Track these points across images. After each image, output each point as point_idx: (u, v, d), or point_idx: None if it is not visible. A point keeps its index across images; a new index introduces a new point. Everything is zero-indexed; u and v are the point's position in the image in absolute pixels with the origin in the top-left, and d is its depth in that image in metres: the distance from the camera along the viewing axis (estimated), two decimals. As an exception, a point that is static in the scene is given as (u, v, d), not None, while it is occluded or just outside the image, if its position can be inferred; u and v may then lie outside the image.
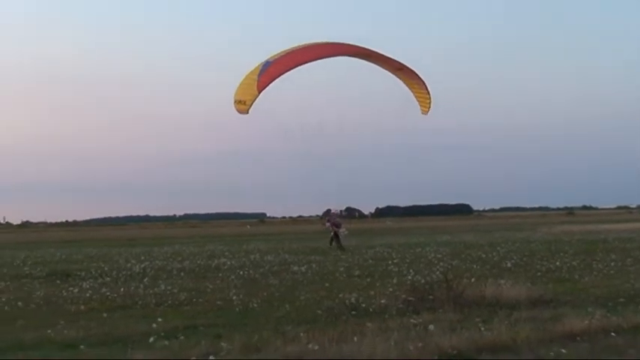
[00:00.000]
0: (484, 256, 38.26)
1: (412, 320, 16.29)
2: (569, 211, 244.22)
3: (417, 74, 28.25)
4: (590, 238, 59.40)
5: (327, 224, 52.22)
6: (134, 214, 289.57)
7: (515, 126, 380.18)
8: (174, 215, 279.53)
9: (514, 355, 13.38)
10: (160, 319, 17.27)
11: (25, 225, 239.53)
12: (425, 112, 28.89)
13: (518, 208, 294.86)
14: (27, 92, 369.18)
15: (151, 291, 25.09)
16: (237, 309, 20.12)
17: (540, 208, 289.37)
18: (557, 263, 32.10)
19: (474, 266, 31.64)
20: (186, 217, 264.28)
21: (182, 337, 15.23)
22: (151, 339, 14.84)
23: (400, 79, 28.51)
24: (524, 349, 13.63)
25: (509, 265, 32.06)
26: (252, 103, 25.65)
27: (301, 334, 14.63)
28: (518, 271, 29.24)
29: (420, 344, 13.47)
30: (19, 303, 22.55)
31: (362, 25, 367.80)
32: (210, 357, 12.97)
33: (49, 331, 16.75)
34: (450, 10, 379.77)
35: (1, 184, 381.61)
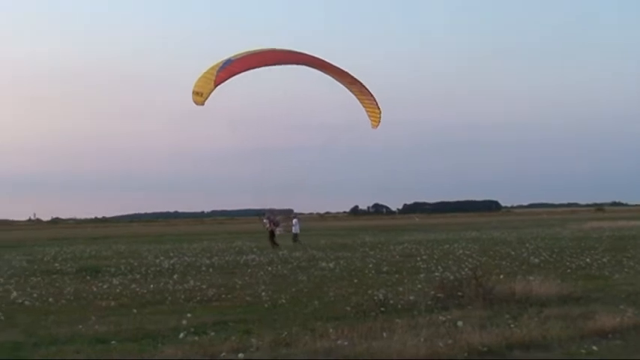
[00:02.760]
0: (513, 252, 38.11)
1: (441, 317, 16.24)
2: (599, 207, 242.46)
3: (367, 89, 28.98)
4: (620, 234, 59.03)
5: (265, 221, 52.56)
6: (163, 210, 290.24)
7: (544, 122, 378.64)
8: (203, 212, 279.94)
9: (545, 352, 13.31)
10: (189, 315, 17.31)
11: (55, 221, 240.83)
12: (374, 127, 29.52)
13: (546, 205, 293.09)
14: (58, 89, 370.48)
15: (180, 287, 25.19)
16: (266, 305, 20.13)
17: (569, 205, 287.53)
18: (587, 260, 31.89)
19: (503, 263, 31.50)
20: (215, 214, 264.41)
21: (212, 333, 15.26)
22: (181, 335, 14.88)
23: (353, 92, 29.19)
24: (555, 346, 13.56)
25: (538, 261, 31.91)
26: (208, 96, 26.44)
27: (330, 330, 14.63)
28: (548, 267, 29.10)
29: (449, 341, 13.43)
30: (50, 299, 22.72)
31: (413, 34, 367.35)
32: (240, 354, 12.97)
33: (80, 326, 16.86)
34: (491, 12, 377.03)
35: (32, 181, 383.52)
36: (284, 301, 20.71)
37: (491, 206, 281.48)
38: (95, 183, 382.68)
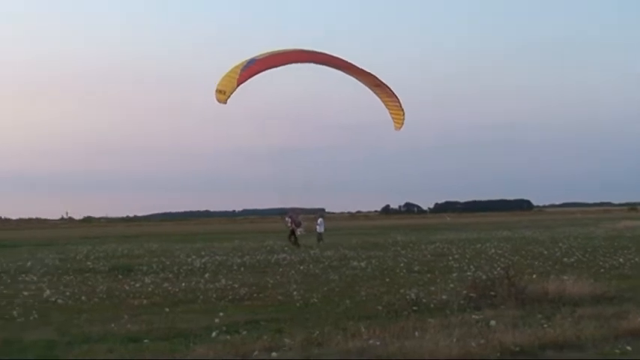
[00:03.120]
0: (545, 252, 37.96)
1: (474, 316, 16.18)
2: (633, 206, 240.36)
3: (392, 92, 29.04)
4: (654, 234, 58.62)
5: (287, 219, 52.83)
6: (194, 209, 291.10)
7: (576, 121, 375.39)
8: (234, 211, 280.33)
9: (578, 352, 13.23)
10: (221, 314, 17.35)
11: (88, 220, 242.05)
12: (397, 128, 29.66)
13: (579, 204, 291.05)
14: (92, 89, 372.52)
15: (212, 286, 25.27)
16: (297, 304, 20.16)
17: (602, 204, 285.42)
18: (621, 259, 31.71)
19: (536, 262, 31.37)
20: (246, 213, 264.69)
21: (244, 332, 15.28)
22: (213, 334, 14.93)
23: (377, 94, 29.28)
24: (589, 346, 13.48)
25: (571, 261, 31.76)
26: (230, 94, 26.92)
27: (362, 330, 14.62)
28: (581, 267, 28.94)
29: (482, 341, 13.38)
30: (83, 297, 22.87)
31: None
32: (272, 353, 12.99)
33: (112, 324, 16.95)
34: (537, 8, 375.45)
35: (65, 179, 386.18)
36: (316, 300, 20.73)
37: (523, 205, 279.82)
38: (127, 182, 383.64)
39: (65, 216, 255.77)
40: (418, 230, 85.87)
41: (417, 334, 14.08)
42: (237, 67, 27.10)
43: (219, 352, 13.38)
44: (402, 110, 29.42)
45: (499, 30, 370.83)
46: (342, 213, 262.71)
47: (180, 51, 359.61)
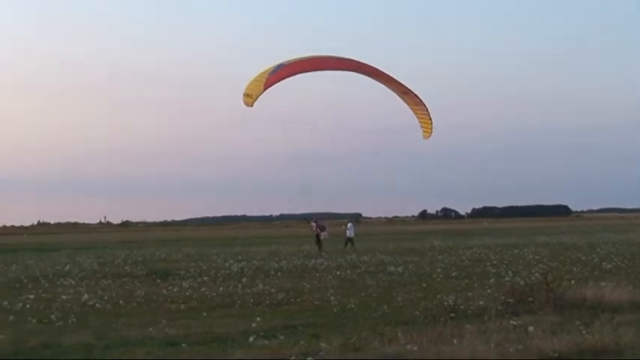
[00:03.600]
0: (583, 257, 37.68)
1: (512, 322, 16.10)
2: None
3: (421, 100, 29.12)
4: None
5: (313, 224, 53.31)
6: (231, 214, 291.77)
7: (615, 125, 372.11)
8: (271, 215, 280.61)
9: (617, 358, 13.13)
10: (258, 319, 17.41)
11: (125, 224, 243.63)
12: (426, 137, 29.82)
13: (618, 209, 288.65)
14: (130, 93, 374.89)
15: (249, 290, 25.34)
16: (334, 309, 20.16)
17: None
18: (661, 265, 31.44)
19: (574, 268, 31.14)
20: (283, 217, 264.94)
21: (281, 337, 15.33)
22: (250, 338, 14.97)
23: (406, 102, 29.37)
24: (628, 353, 13.37)
25: (609, 267, 31.50)
26: (257, 98, 27.77)
27: (399, 335, 14.62)
28: (620, 273, 28.69)
29: (520, 346, 13.34)
30: (121, 301, 23.02)
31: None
32: (309, 358, 13.01)
33: (150, 329, 17.04)
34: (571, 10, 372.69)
35: (103, 184, 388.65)
36: (353, 305, 20.71)
37: (560, 211, 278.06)
38: (165, 186, 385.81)
39: (103, 220, 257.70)
40: (455, 235, 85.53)
41: (454, 339, 14.05)
42: (265, 71, 27.77)
43: (256, 357, 13.43)
44: (430, 119, 29.64)
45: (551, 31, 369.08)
46: (379, 218, 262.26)
47: (217, 54, 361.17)
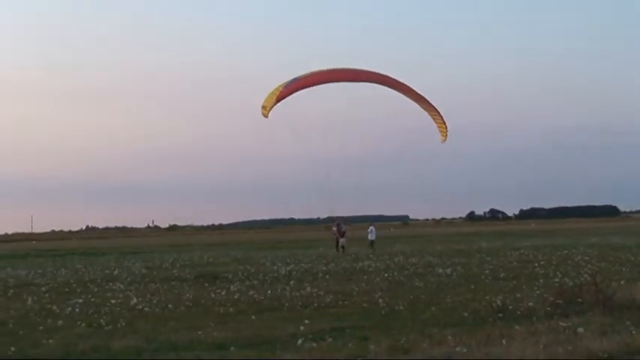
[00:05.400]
0: (632, 258, 37.38)
1: (561, 323, 16.06)
2: None
3: (434, 106, 30.22)
4: None
5: (334, 229, 54.90)
6: (279, 217, 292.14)
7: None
8: (318, 218, 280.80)
9: (669, 359, 13.07)
10: (306, 321, 17.50)
11: (173, 228, 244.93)
12: (444, 140, 31.00)
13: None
14: (178, 94, 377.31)
15: (297, 293, 25.41)
16: (383, 311, 20.19)
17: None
18: None
19: (623, 269, 30.95)
20: (330, 220, 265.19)
21: (329, 339, 15.39)
22: (299, 341, 15.06)
23: (422, 108, 30.39)
24: (679, 353, 13.29)
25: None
26: (271, 109, 30.06)
27: (448, 337, 14.64)
28: (671, 274, 28.46)
29: (569, 347, 13.30)
30: (170, 305, 23.13)
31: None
32: (358, 358, 13.08)
33: (199, 332, 17.17)
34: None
35: (151, 188, 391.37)
36: (401, 307, 20.73)
37: (609, 211, 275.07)
38: (212, 190, 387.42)
39: (151, 224, 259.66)
40: (503, 237, 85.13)
41: (503, 341, 14.05)
42: (280, 85, 29.94)
43: (305, 359, 13.51)
44: (445, 124, 30.39)
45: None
46: (426, 220, 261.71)
47: (264, 55, 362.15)
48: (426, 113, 31.14)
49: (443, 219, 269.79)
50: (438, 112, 30.78)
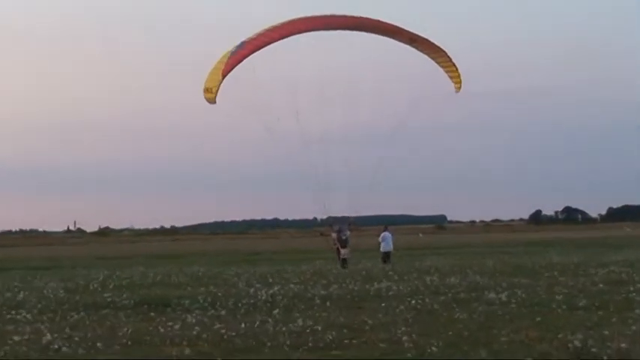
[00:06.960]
0: None
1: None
2: None
3: (438, 46, 29.93)
4: None
5: (334, 235, 56.02)
6: (257, 217, 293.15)
7: None
8: (315, 219, 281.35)
9: None
10: (298, 369, 17.51)
11: (104, 233, 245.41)
12: (457, 90, 30.53)
13: None
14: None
15: (284, 328, 25.35)
16: (409, 354, 20.18)
17: None
18: None
19: None
20: (330, 222, 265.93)
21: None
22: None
23: (421, 51, 30.23)
24: None
25: None
26: (217, 91, 30.97)
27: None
28: None
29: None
30: (99, 344, 22.98)
31: None
32: None
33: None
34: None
35: (72, 174, 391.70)
36: (435, 348, 20.70)
37: None
38: (160, 179, 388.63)
39: (72, 227, 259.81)
40: (584, 247, 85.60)
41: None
42: (224, 56, 30.64)
43: None
44: (455, 66, 30.11)
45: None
46: (471, 222, 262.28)
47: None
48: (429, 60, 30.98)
49: (496, 221, 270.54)
50: (445, 52, 30.53)
